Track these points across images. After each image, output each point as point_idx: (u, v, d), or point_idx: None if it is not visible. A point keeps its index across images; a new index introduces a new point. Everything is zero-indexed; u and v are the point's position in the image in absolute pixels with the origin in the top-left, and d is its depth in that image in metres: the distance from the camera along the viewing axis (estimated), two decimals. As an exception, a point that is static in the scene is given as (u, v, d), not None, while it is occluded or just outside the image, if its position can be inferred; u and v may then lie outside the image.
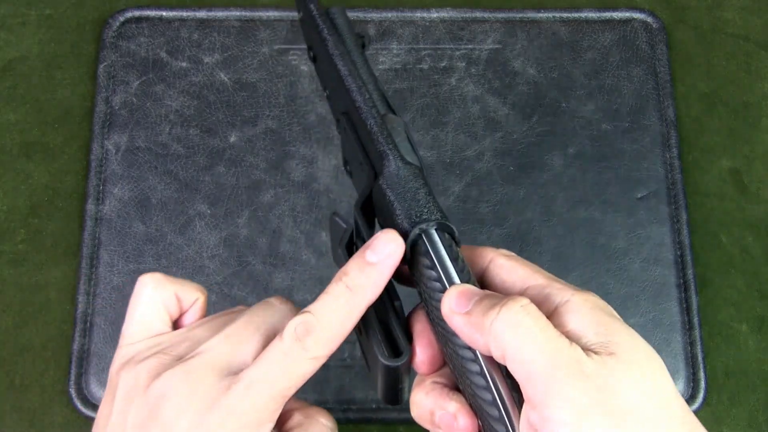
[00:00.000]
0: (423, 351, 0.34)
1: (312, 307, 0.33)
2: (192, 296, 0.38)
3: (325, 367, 0.55)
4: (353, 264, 0.33)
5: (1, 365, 0.55)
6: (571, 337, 0.30)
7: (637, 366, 0.29)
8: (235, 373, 0.33)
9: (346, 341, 0.33)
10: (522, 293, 0.33)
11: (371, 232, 0.34)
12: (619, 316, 0.32)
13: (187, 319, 0.38)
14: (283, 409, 0.36)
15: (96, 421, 0.35)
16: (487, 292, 0.32)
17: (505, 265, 0.34)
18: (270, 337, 0.34)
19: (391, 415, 0.54)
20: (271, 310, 0.36)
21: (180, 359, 0.33)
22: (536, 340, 0.29)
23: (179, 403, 0.32)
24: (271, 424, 0.33)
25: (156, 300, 0.36)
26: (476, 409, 0.31)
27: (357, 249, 0.34)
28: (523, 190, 0.59)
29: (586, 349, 0.29)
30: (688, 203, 0.59)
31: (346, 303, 0.32)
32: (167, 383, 0.32)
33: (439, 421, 0.32)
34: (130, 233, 0.57)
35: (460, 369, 0.32)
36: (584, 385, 0.28)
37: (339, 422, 0.54)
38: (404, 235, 0.33)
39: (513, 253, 0.35)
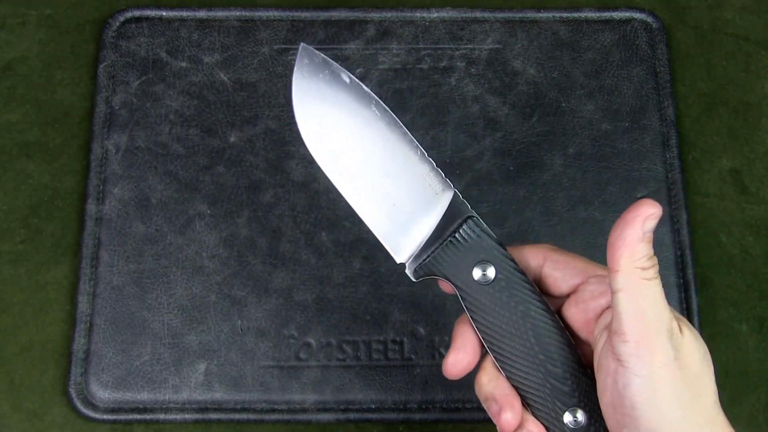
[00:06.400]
0: (465, 356, 0.40)
1: None
2: None
3: (325, 368, 0.55)
4: None
5: (1, 365, 0.55)
6: None
7: (699, 344, 0.37)
8: None
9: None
10: (584, 283, 0.40)
11: None
12: None
13: None
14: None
15: None
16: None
17: (560, 260, 0.41)
18: None
19: (391, 415, 0.54)
20: None
21: None
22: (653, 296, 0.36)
23: None
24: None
25: None
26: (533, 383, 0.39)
27: None
28: (523, 190, 0.59)
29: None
30: (688, 203, 0.59)
31: None
32: None
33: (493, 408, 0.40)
34: (130, 233, 0.57)
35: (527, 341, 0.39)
36: (672, 342, 0.36)
37: (339, 422, 0.54)
38: None
39: (556, 247, 0.41)
